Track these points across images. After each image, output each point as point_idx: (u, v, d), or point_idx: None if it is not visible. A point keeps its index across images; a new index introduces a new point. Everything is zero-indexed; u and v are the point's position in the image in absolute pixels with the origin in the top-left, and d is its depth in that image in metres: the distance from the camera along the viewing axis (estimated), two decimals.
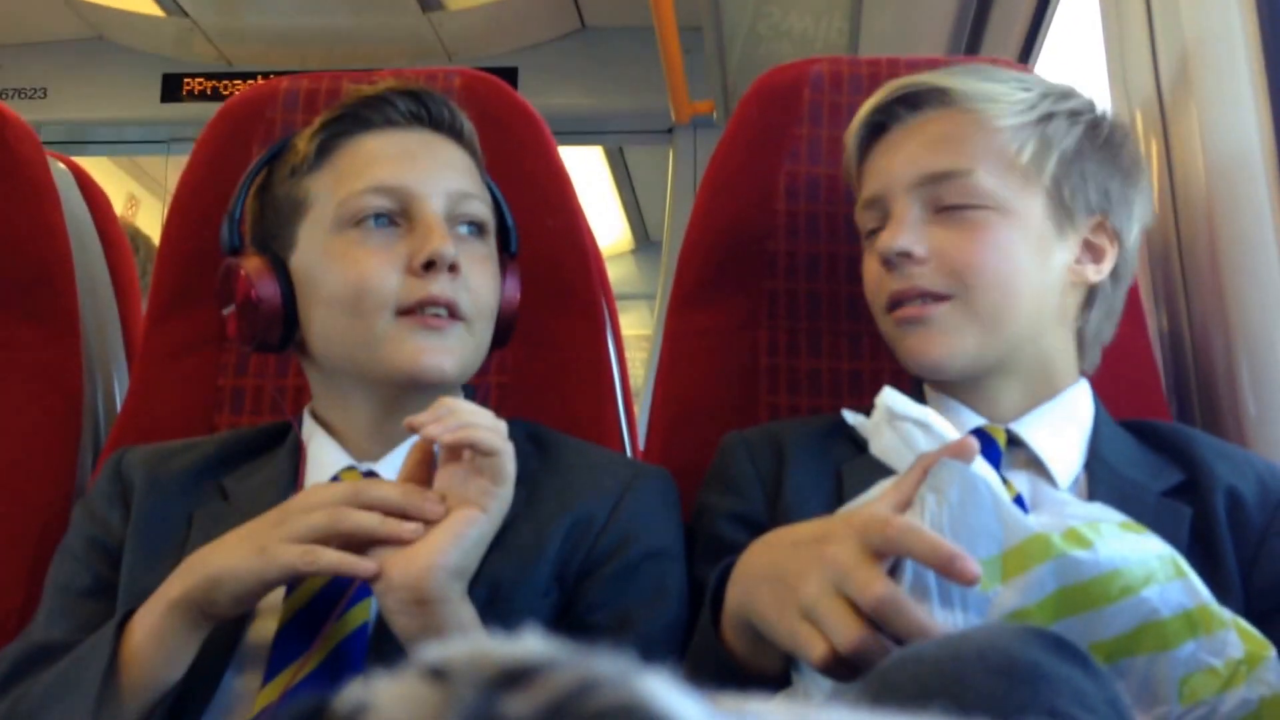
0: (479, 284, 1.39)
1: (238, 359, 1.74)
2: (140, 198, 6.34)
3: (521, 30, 4.93)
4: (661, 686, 0.36)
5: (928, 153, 1.39)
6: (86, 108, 5.11)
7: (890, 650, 0.92)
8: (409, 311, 1.33)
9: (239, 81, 5.08)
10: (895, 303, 1.38)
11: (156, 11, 4.75)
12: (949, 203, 1.37)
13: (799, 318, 1.72)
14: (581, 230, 1.77)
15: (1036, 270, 1.37)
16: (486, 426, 1.17)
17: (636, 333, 5.40)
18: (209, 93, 5.02)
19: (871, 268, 1.43)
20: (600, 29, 4.98)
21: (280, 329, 1.38)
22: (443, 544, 1.14)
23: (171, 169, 5.54)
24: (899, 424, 1.06)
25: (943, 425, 1.06)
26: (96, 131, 5.29)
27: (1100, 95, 1.78)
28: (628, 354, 1.86)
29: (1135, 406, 1.55)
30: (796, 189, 1.74)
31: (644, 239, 7.76)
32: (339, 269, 1.34)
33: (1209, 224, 1.69)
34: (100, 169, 5.37)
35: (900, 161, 1.41)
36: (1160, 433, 1.42)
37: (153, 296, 1.79)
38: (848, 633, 0.93)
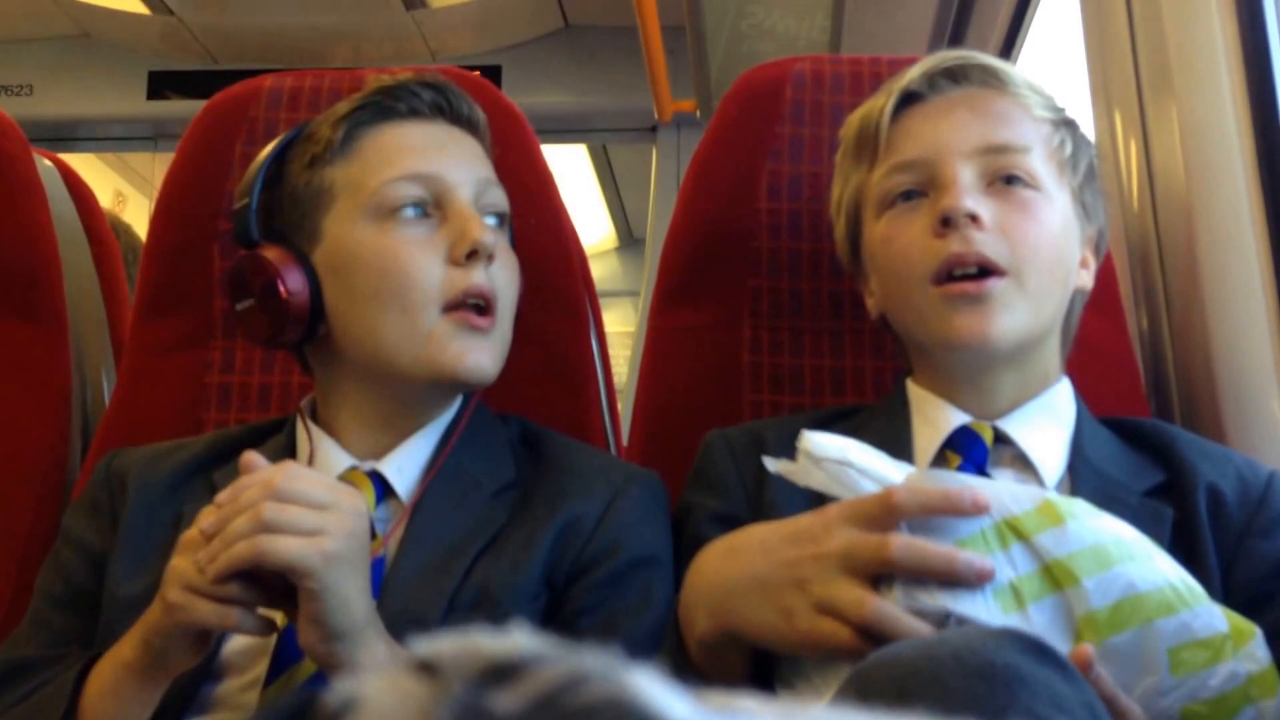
0: (506, 276, 1.40)
1: (224, 356, 1.73)
2: (127, 194, 6.31)
3: (505, 29, 4.91)
4: (649, 682, 0.36)
5: (985, 124, 1.36)
6: (73, 105, 5.09)
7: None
8: (452, 307, 1.33)
9: (224, 79, 5.06)
10: (946, 273, 1.31)
11: (142, 9, 4.73)
12: (1006, 176, 1.34)
13: (781, 315, 1.72)
14: (565, 227, 1.77)
15: (1070, 261, 1.38)
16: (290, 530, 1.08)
17: (620, 330, 5.40)
18: (195, 90, 5.00)
19: (910, 232, 1.36)
20: (584, 28, 4.97)
21: (306, 323, 1.36)
22: (304, 638, 1.11)
23: (158, 165, 5.51)
24: (826, 465, 1.05)
25: (867, 460, 1.05)
26: (83, 128, 5.27)
27: (1080, 95, 1.79)
28: (611, 351, 1.86)
29: (1116, 405, 1.55)
30: (779, 187, 1.74)
31: (628, 236, 7.75)
32: (380, 262, 1.34)
33: (1188, 224, 1.69)
34: (87, 165, 5.34)
35: (953, 128, 1.37)
36: (1141, 430, 1.42)
37: (139, 293, 1.79)
38: (863, 602, 0.96)
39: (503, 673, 0.36)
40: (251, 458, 1.14)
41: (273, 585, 1.10)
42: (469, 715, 0.35)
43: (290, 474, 1.11)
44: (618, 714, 0.35)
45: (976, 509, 0.96)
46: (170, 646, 1.13)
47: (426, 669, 0.37)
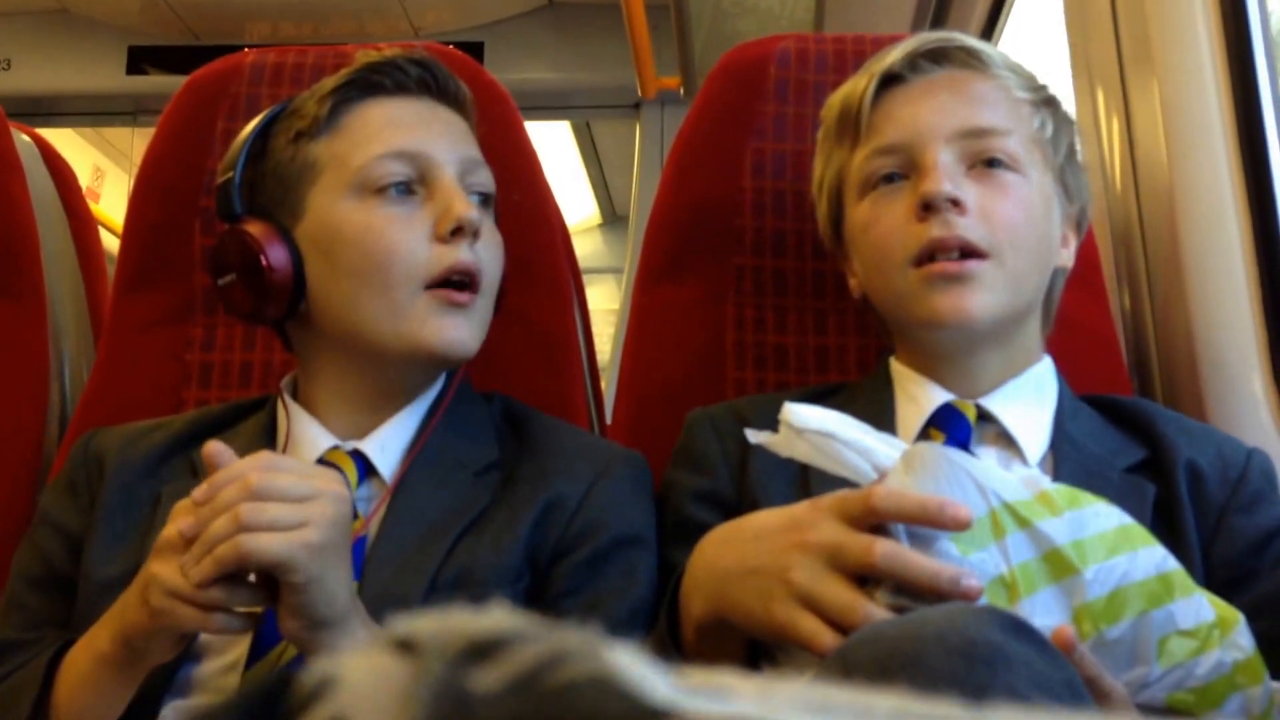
0: (490, 254, 1.39)
1: (205, 333, 1.72)
2: (106, 169, 6.28)
3: (488, 5, 4.89)
4: (630, 659, 0.36)
5: (966, 107, 1.37)
6: (51, 79, 5.06)
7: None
8: (434, 284, 1.32)
9: (205, 55, 5.03)
10: (928, 255, 1.31)
11: None
12: (986, 159, 1.34)
13: (765, 294, 1.72)
14: (548, 205, 1.77)
15: (1051, 241, 1.39)
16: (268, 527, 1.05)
17: (604, 307, 5.38)
18: (175, 65, 4.97)
19: (891, 216, 1.36)
20: (567, 4, 4.95)
21: (287, 298, 1.35)
22: (286, 627, 1.09)
23: (138, 140, 5.49)
24: (808, 436, 1.04)
25: (848, 430, 1.04)
26: (61, 103, 5.24)
27: (1061, 72, 1.79)
28: (595, 328, 1.86)
29: (1098, 383, 1.55)
30: (763, 165, 1.74)
31: (611, 214, 7.74)
32: (363, 238, 1.33)
33: (1170, 201, 1.69)
34: (65, 141, 5.31)
35: (933, 111, 1.37)
36: (1122, 408, 1.42)
37: (119, 270, 1.77)
38: (855, 607, 0.95)
39: (483, 651, 0.36)
40: (214, 450, 1.11)
41: (254, 580, 1.08)
42: (448, 694, 0.35)
43: (267, 468, 1.08)
44: (598, 692, 0.35)
45: (955, 524, 0.95)
46: (151, 645, 1.11)
47: (406, 648, 0.36)
